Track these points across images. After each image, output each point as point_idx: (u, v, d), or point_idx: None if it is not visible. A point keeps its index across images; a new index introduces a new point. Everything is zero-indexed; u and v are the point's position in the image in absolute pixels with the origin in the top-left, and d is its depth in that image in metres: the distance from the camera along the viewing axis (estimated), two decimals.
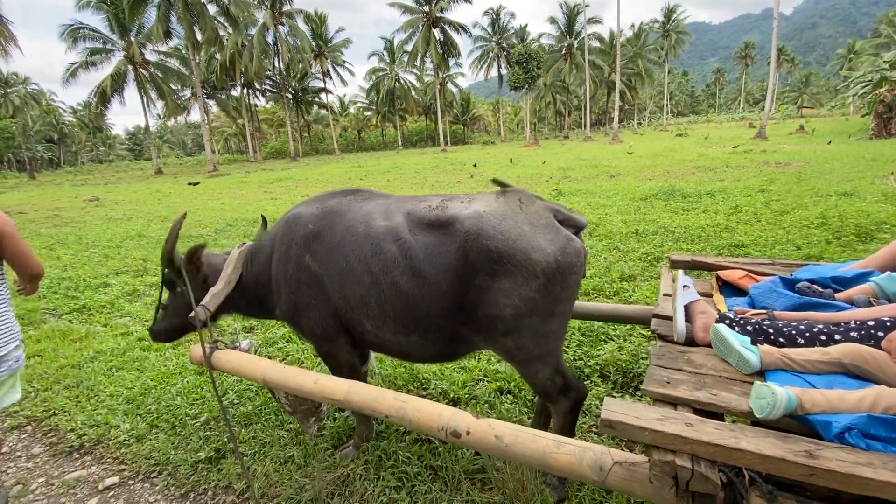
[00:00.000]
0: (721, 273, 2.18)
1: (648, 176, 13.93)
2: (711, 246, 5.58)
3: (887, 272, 1.73)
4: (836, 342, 1.45)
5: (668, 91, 71.49)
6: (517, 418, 2.47)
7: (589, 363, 2.98)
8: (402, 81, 55.01)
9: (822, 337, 1.48)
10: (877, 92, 23.83)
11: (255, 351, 2.47)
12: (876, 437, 1.12)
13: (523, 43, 48.35)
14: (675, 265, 2.46)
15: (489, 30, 51.65)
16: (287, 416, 2.68)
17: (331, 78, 50.55)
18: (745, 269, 2.20)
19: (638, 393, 2.72)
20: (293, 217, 2.23)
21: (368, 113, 63.56)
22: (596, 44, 51.28)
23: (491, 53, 51.84)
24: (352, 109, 67.62)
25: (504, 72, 51.53)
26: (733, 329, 1.62)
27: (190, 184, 21.36)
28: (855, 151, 16.63)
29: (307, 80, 51.82)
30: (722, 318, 1.67)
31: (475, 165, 22.01)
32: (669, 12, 60.72)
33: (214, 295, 2.24)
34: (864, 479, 1.02)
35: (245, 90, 43.13)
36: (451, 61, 45.87)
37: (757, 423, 1.30)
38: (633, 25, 59.35)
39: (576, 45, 48.65)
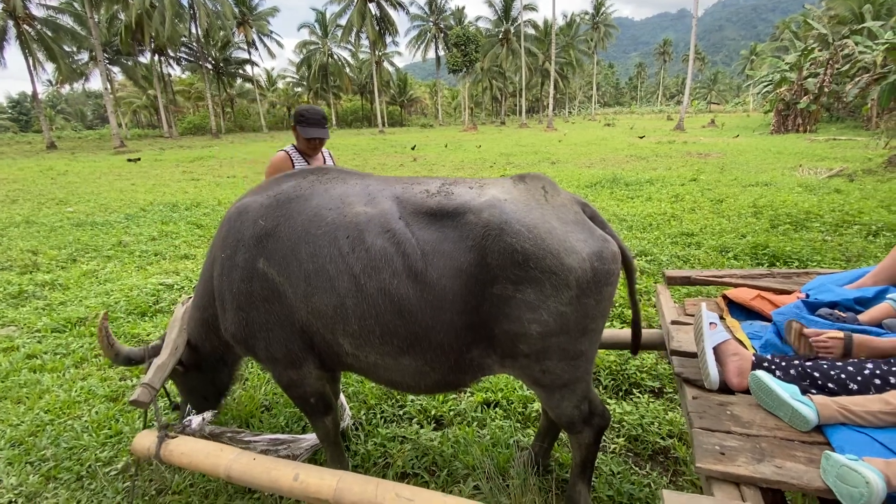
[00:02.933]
0: (728, 293, 2.02)
1: (587, 163, 14.29)
2: (664, 234, 5.67)
3: None
4: (893, 385, 1.30)
5: (595, 82, 74.71)
6: (514, 438, 2.18)
7: None
8: (335, 57, 52.22)
9: (876, 381, 1.32)
10: (778, 91, 26.40)
11: (210, 429, 2.00)
12: None
13: (461, 25, 47.78)
14: (670, 282, 2.28)
15: (426, 9, 50.45)
16: None
17: (256, 49, 46.78)
18: (748, 285, 2.05)
19: (631, 398, 2.55)
20: (237, 212, 1.73)
21: (299, 89, 59.78)
22: (531, 31, 51.98)
23: (429, 34, 50.74)
24: (280, 84, 63.20)
25: (442, 53, 50.73)
26: (773, 373, 1.43)
27: (130, 160, 18.84)
28: (761, 145, 18.26)
29: (229, 50, 47.48)
30: (759, 362, 1.48)
31: (413, 148, 21.49)
32: (599, 5, 62.99)
33: (159, 368, 1.77)
34: None
35: (156, 57, 38.55)
36: (388, 39, 44.33)
37: (825, 498, 1.12)
38: (565, 15, 60.98)
39: (512, 31, 48.95)
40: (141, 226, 7.19)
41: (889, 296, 1.66)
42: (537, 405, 2.47)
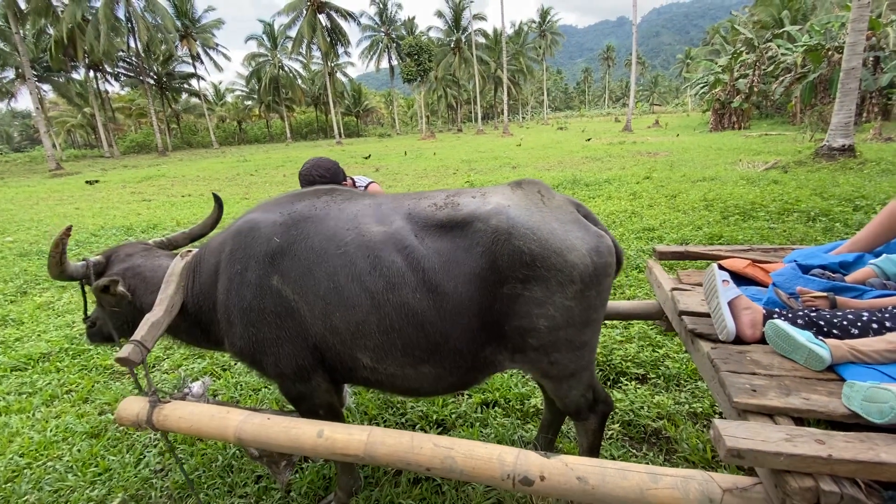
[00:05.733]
0: (723, 262, 2.17)
1: (546, 166, 14.74)
2: (628, 231, 5.96)
3: (883, 255, 1.86)
4: (889, 329, 1.46)
5: (546, 87, 77.22)
6: (518, 435, 2.25)
7: None
8: (286, 69, 51.26)
9: (874, 325, 1.48)
10: (713, 92, 28.27)
11: (213, 395, 1.87)
12: None
13: (413, 35, 48.18)
14: (661, 257, 2.44)
15: (377, 19, 50.57)
16: (246, 467, 2.13)
17: (202, 62, 45.22)
18: (745, 257, 2.22)
19: (619, 386, 2.69)
20: (247, 227, 1.73)
21: (249, 102, 58.14)
22: (482, 40, 53.21)
23: (381, 44, 50.81)
24: (229, 98, 61.22)
25: (395, 63, 50.91)
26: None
27: (88, 182, 17.81)
28: (702, 142, 19.45)
29: (173, 64, 45.62)
30: (769, 314, 1.63)
31: (368, 157, 21.53)
32: (544, 14, 65.34)
33: (153, 325, 1.65)
34: None
35: (92, 73, 36.47)
36: (340, 49, 43.97)
37: (837, 424, 1.25)
38: (513, 24, 62.87)
39: (463, 40, 49.87)
40: (91, 252, 6.79)
41: (871, 261, 1.87)
42: (534, 401, 2.56)
